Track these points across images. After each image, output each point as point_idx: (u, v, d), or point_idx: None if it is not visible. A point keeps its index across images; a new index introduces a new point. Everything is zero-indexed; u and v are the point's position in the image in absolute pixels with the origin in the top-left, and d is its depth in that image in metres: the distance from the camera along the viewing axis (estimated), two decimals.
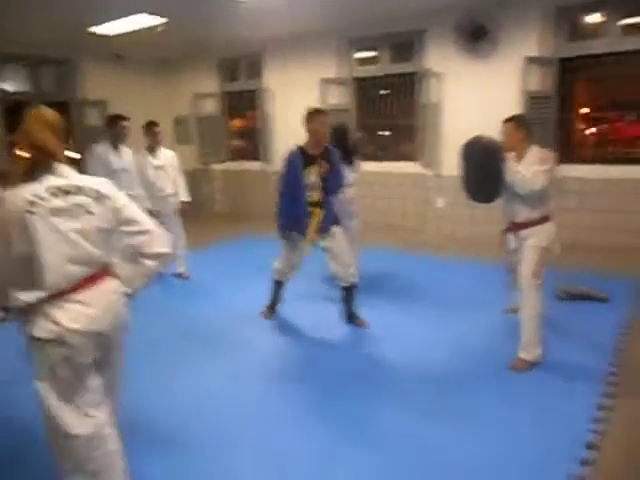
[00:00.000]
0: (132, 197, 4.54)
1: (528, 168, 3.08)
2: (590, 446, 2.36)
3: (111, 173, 4.42)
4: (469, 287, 4.69)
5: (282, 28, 7.02)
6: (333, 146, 3.95)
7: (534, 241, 3.17)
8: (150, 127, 5.00)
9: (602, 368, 3.08)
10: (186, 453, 2.45)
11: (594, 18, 5.73)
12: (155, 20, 6.10)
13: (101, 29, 6.45)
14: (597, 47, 5.60)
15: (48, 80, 7.91)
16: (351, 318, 3.93)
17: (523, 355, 3.15)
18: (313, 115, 3.68)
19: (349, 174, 4.36)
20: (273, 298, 4.10)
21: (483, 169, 3.19)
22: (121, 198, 2.01)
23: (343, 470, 2.29)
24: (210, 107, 8.81)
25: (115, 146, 4.64)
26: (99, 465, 1.92)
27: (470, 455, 2.36)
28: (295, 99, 7.73)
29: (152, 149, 5.02)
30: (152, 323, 4.10)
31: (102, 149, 4.60)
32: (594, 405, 2.69)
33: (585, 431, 2.47)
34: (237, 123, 9.37)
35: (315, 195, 3.70)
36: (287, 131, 7.96)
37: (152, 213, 4.86)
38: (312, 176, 3.67)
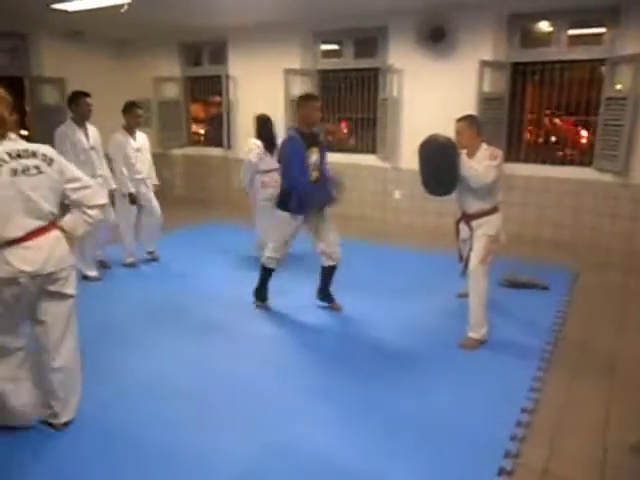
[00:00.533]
0: (102, 178, 4.60)
1: (480, 164, 3.37)
2: (527, 411, 2.68)
3: (81, 152, 4.39)
4: (425, 274, 4.99)
5: (247, 17, 7.07)
6: (258, 136, 5.08)
7: (483, 230, 3.47)
8: (132, 108, 4.90)
9: (539, 346, 3.43)
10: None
11: (544, 27, 6.13)
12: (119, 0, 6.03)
13: (62, 5, 6.30)
14: (546, 55, 6.01)
15: (1, 54, 7.63)
16: (327, 298, 4.11)
17: (472, 334, 3.46)
18: (305, 100, 3.81)
19: (272, 161, 4.95)
20: (263, 287, 4.09)
21: (440, 165, 3.43)
22: (63, 160, 2.38)
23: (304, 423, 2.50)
24: (171, 91, 8.75)
25: (80, 124, 4.50)
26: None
27: (426, 415, 2.66)
28: (259, 87, 7.82)
29: (132, 131, 4.94)
30: (122, 301, 4.19)
31: (68, 128, 4.44)
32: (531, 377, 3.02)
33: (524, 399, 2.79)
34: (199, 109, 9.35)
35: (315, 174, 3.83)
36: (250, 119, 8.04)
37: (130, 197, 4.82)
38: (313, 156, 3.79)
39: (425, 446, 2.42)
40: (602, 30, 5.69)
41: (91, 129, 4.59)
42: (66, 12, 6.61)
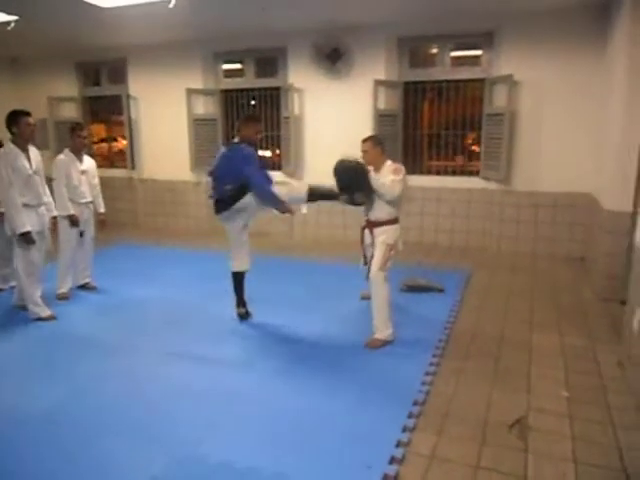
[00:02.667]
0: (45, 205, 4.29)
1: (385, 178, 3.67)
2: (419, 403, 2.88)
3: (25, 177, 4.03)
4: (332, 282, 5.20)
5: (146, 36, 7.02)
6: None
7: (382, 238, 3.76)
8: (75, 130, 4.75)
9: (433, 342, 3.69)
10: None
11: (429, 49, 6.64)
12: (5, 17, 5.78)
13: None
14: (433, 74, 6.51)
15: None
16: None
17: (377, 335, 3.70)
18: (248, 121, 4.05)
19: None
20: (240, 294, 4.23)
21: (351, 184, 3.71)
22: None
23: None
24: (69, 112, 8.42)
25: (22, 147, 4.06)
26: None
27: (325, 413, 2.79)
28: (161, 107, 7.77)
29: (78, 153, 4.75)
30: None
31: (9, 151, 3.99)
32: (424, 371, 3.25)
33: (416, 391, 2.99)
34: (101, 129, 9.07)
35: None
36: (153, 138, 7.95)
37: (71, 218, 4.59)
38: None
39: (322, 443, 2.52)
40: (479, 52, 6.27)
41: (33, 152, 4.19)
42: None
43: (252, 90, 7.41)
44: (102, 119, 8.89)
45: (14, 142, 4.04)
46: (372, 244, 3.85)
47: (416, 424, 2.68)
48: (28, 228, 4.01)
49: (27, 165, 4.07)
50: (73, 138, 4.76)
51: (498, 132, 6.02)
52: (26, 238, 4.03)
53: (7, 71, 8.52)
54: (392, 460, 2.38)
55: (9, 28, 6.08)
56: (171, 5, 5.01)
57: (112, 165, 8.69)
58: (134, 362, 3.50)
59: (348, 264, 5.45)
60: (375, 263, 3.70)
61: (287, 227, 7.35)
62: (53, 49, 7.88)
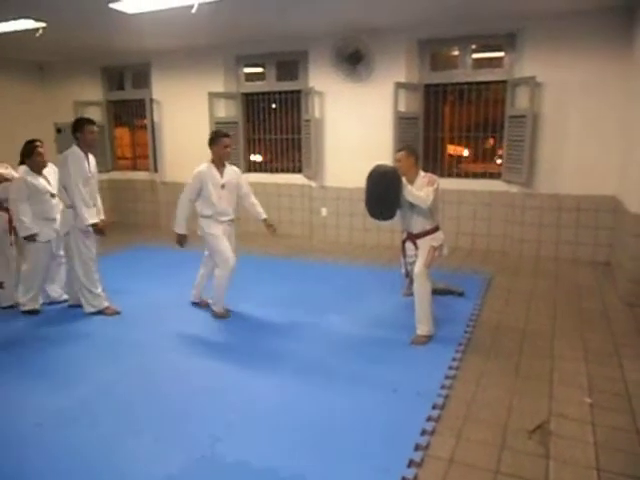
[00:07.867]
0: (97, 208, 4.44)
1: (420, 190, 3.71)
2: (438, 406, 2.86)
3: (85, 179, 4.22)
4: (348, 284, 5.20)
5: (169, 41, 7.13)
6: None
7: (427, 242, 3.82)
8: (219, 137, 4.29)
9: (454, 343, 3.67)
10: None
11: (451, 51, 6.60)
12: (33, 24, 5.93)
13: None
14: (454, 77, 6.47)
15: None
16: None
17: (419, 332, 3.76)
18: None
19: None
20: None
21: (383, 193, 3.68)
22: None
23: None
24: (94, 115, 8.56)
25: (84, 152, 4.25)
26: None
27: (346, 406, 2.77)
28: (184, 111, 7.87)
29: (220, 164, 4.32)
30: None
31: (74, 153, 4.16)
32: (444, 372, 3.23)
33: (435, 394, 2.98)
34: (125, 133, 9.23)
35: None
36: (175, 141, 8.06)
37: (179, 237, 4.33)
38: None
39: (339, 445, 2.53)
40: (502, 54, 6.21)
41: (91, 158, 4.38)
42: None
43: (273, 93, 7.47)
44: (125, 123, 9.05)
45: (78, 146, 4.25)
46: (415, 255, 3.90)
47: (435, 428, 2.66)
48: (94, 220, 4.27)
49: (87, 168, 4.28)
50: (216, 148, 4.29)
51: (520, 134, 5.94)
52: (94, 230, 4.30)
53: (35, 76, 8.73)
54: (410, 463, 2.37)
55: (37, 35, 6.23)
56: (193, 10, 5.07)
57: (135, 168, 8.84)
58: (153, 361, 3.55)
59: (367, 267, 5.47)
60: (420, 260, 3.79)
61: (308, 229, 7.37)
62: (79, 54, 8.05)
